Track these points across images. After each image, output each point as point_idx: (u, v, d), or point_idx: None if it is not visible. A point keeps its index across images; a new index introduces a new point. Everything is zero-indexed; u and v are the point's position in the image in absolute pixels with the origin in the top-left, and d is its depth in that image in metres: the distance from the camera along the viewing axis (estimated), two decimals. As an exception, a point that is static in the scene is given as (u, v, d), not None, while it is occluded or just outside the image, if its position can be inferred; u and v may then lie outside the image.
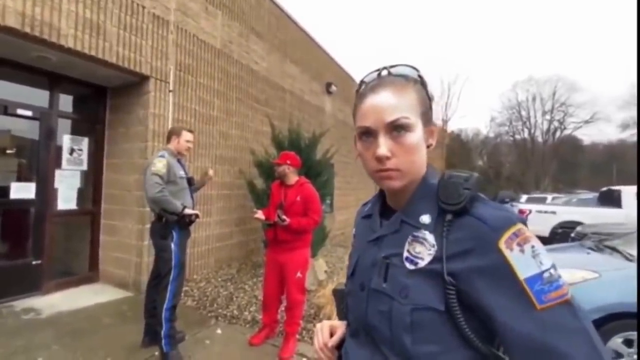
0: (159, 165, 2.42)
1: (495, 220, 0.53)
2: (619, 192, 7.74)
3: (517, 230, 0.51)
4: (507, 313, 0.49)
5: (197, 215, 2.57)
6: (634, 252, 2.72)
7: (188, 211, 2.49)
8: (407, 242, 0.60)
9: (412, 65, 0.66)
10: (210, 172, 2.97)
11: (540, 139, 34.64)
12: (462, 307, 0.53)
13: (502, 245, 0.51)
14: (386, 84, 0.62)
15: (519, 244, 0.51)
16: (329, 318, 2.98)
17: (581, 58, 53.07)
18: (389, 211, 0.69)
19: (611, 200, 7.72)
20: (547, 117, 34.65)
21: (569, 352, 0.46)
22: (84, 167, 3.88)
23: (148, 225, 3.60)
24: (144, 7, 3.60)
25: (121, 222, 3.82)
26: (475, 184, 0.57)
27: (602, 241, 3.41)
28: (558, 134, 34.91)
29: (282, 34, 6.30)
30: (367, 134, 0.62)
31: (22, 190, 3.37)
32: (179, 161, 2.65)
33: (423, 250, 0.58)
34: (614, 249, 2.95)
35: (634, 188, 7.86)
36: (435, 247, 0.56)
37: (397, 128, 0.59)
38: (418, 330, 0.55)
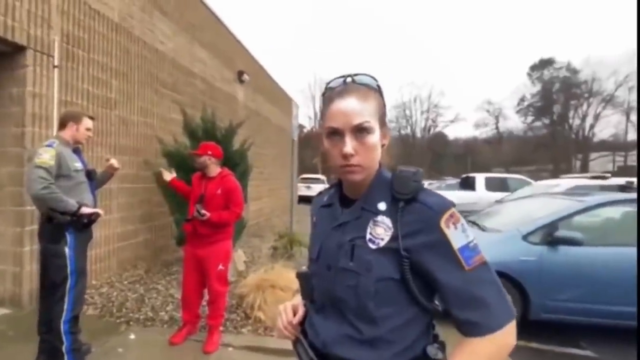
0: (46, 156, 2.05)
1: (437, 205, 0.68)
2: (473, 178, 9.78)
3: (451, 212, 0.68)
4: (446, 274, 0.66)
5: (98, 214, 2.24)
6: (487, 224, 3.61)
7: (85, 210, 2.15)
8: (368, 226, 0.72)
9: (371, 76, 0.77)
10: (113, 161, 2.57)
11: (419, 135, 41.35)
12: (413, 274, 0.68)
13: (442, 224, 0.66)
14: (351, 91, 0.72)
15: (453, 223, 0.67)
16: (252, 307, 3.08)
17: (446, 69, 64.29)
18: (347, 200, 0.80)
19: (468, 184, 9.69)
20: (425, 116, 41.56)
21: (486, 297, 0.65)
22: None
23: (28, 228, 3.05)
24: (14, -40, 2.92)
25: (-13, 224, 3.10)
26: (421, 177, 0.71)
27: (464, 217, 4.40)
28: (432, 130, 42.14)
29: (191, 15, 5.85)
30: (335, 134, 0.72)
31: None
32: (75, 151, 2.29)
33: (382, 232, 0.70)
34: (473, 222, 3.82)
35: (484, 175, 10.03)
36: (392, 229, 0.70)
37: (360, 130, 0.70)
38: (379, 296, 0.69)
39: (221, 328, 2.80)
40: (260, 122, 9.58)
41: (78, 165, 2.24)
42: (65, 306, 2.10)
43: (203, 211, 2.48)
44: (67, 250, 2.12)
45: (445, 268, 0.67)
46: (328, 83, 0.78)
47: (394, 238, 0.69)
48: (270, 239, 6.19)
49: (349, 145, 0.70)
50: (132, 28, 4.40)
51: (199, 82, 6.10)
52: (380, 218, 0.72)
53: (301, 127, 34.49)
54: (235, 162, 4.46)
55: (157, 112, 4.93)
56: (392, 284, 0.69)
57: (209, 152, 2.64)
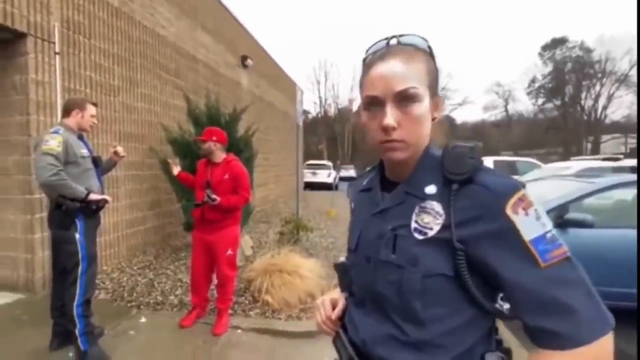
0: (53, 143, 2.05)
1: (500, 187, 0.55)
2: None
3: (521, 195, 0.54)
4: (514, 272, 0.54)
5: (105, 201, 2.26)
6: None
7: (94, 196, 2.17)
8: (414, 213, 0.62)
9: (421, 36, 0.64)
10: (119, 148, 2.57)
11: (426, 118, 41.02)
12: (470, 270, 0.56)
13: (508, 210, 0.54)
14: (396, 52, 0.61)
15: (523, 209, 0.54)
16: (260, 290, 3.12)
17: (454, 52, 62.65)
18: (389, 184, 0.70)
19: None
20: (428, 98, 41.21)
21: (571, 303, 0.51)
22: None
23: (38, 215, 3.10)
24: (10, -57, 2.85)
25: (1, 213, 3.15)
26: (479, 153, 0.59)
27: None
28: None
29: (192, -3, 5.72)
30: (374, 104, 0.61)
31: None
32: (80, 138, 2.29)
33: (431, 220, 0.59)
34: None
35: (492, 158, 9.89)
36: (443, 216, 0.58)
37: (405, 98, 0.59)
38: (428, 295, 0.59)
39: (230, 311, 2.85)
40: (265, 108, 9.50)
41: (84, 151, 2.24)
42: (78, 290, 2.14)
43: (214, 196, 2.49)
44: (77, 236, 2.14)
45: (513, 264, 0.54)
46: (368, 48, 0.67)
47: (445, 227, 0.58)
48: (276, 224, 6.23)
49: (390, 116, 0.59)
50: (133, 12, 4.32)
51: (201, 68, 6.03)
52: (428, 204, 0.61)
53: (306, 112, 34.23)
54: (239, 148, 4.44)
55: (161, 99, 4.90)
56: (443, 281, 0.58)
57: (214, 138, 2.62)
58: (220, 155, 2.67)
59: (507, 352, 0.63)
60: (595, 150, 29.08)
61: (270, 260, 3.36)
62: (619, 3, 51.61)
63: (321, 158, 26.08)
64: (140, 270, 3.87)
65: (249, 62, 7.90)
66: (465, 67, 65.59)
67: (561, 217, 2.95)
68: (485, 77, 75.93)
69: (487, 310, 0.59)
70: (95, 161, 2.34)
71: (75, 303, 2.14)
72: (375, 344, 0.65)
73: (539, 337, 0.55)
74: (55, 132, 2.12)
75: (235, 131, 4.54)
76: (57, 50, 3.26)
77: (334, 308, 0.81)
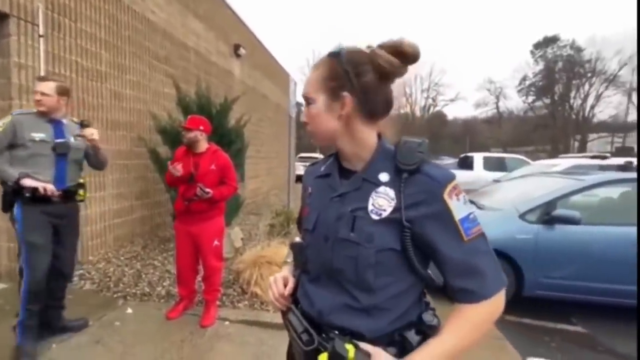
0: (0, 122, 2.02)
1: (440, 177, 0.68)
2: (472, 158, 9.76)
3: (455, 184, 0.68)
4: (446, 245, 0.67)
5: (46, 190, 2.02)
6: (485, 203, 3.61)
7: (27, 182, 1.98)
8: (370, 197, 0.72)
9: (341, 43, 0.76)
10: (87, 131, 2.21)
11: (418, 114, 40.88)
12: (412, 244, 0.68)
13: (445, 196, 0.67)
14: (316, 62, 0.77)
15: (456, 194, 0.68)
16: (249, 282, 3.10)
17: (448, 48, 62.67)
18: (345, 171, 0.79)
19: (466, 164, 9.67)
20: (425, 94, 40.91)
21: (483, 268, 0.68)
22: None
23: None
24: None
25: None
26: (426, 148, 0.70)
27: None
28: (432, 109, 41.57)
29: (183, -18, 5.56)
30: None
31: None
32: (55, 121, 2.13)
33: (385, 203, 0.70)
34: (470, 202, 3.82)
35: (482, 154, 10.00)
36: (395, 200, 0.69)
37: (305, 100, 0.77)
38: (379, 267, 0.70)
39: (218, 303, 2.83)
40: (258, 99, 9.37)
41: (38, 135, 2.05)
42: (24, 278, 2.06)
43: (207, 189, 2.44)
44: (16, 221, 2.06)
45: (446, 238, 0.67)
46: None
47: (396, 209, 0.69)
48: (267, 216, 6.20)
49: (303, 113, 0.78)
50: (121, -4, 4.17)
51: (192, 56, 5.89)
52: (382, 189, 0.71)
53: (299, 105, 33.92)
54: (231, 139, 4.38)
55: (150, 86, 4.78)
56: (392, 255, 0.69)
57: (201, 127, 2.55)
58: (204, 145, 2.60)
59: (434, 310, 0.77)
60: (582, 149, 29.65)
61: (260, 252, 3.34)
62: (612, 4, 52.23)
63: (314, 151, 25.99)
64: (128, 260, 3.82)
65: (242, 51, 7.75)
66: (459, 63, 65.89)
67: (548, 214, 3.00)
68: (478, 74, 76.50)
69: (422, 277, 0.72)
70: (60, 147, 2.12)
71: (21, 289, 2.07)
72: (331, 313, 0.74)
73: (459, 295, 0.69)
74: (12, 113, 2.10)
75: (227, 122, 4.47)
76: (41, 32, 3.13)
77: (285, 286, 0.87)
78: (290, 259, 0.90)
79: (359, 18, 68.67)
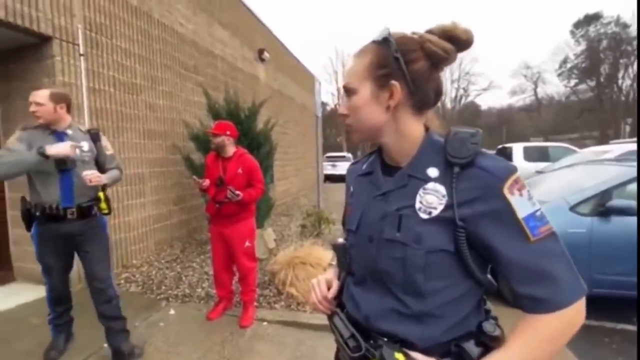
0: (11, 138, 1.92)
1: (498, 170, 0.61)
2: (510, 149, 9.22)
3: (516, 178, 0.60)
4: (509, 246, 0.60)
5: (59, 209, 1.93)
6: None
7: (53, 150, 1.80)
8: (418, 194, 0.66)
9: (387, 27, 0.68)
10: (86, 177, 1.93)
11: (449, 105, 39.29)
12: (468, 245, 0.62)
13: (505, 191, 0.59)
14: (356, 52, 0.71)
15: (518, 189, 0.60)
16: (284, 283, 3.12)
17: (478, 34, 59.40)
18: (389, 168, 0.74)
19: (505, 155, 9.17)
20: (455, 85, 39.22)
21: (555, 272, 0.59)
22: (-26, 148, 3.19)
23: (72, 211, 3.21)
24: (32, -52, 2.93)
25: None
26: (480, 139, 0.63)
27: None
28: (463, 100, 39.79)
29: (208, -7, 5.73)
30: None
31: None
32: (57, 133, 1.99)
33: (435, 200, 0.64)
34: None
35: (522, 144, 9.42)
36: (446, 197, 0.63)
37: (346, 92, 0.71)
38: (430, 269, 0.64)
39: (255, 303, 2.87)
40: (283, 101, 9.48)
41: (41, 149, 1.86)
42: (45, 286, 2.18)
43: (237, 192, 2.50)
44: (32, 240, 2.07)
45: (508, 239, 0.60)
46: None
47: (448, 207, 0.63)
48: (298, 217, 6.24)
49: (342, 105, 0.72)
50: (151, 11, 4.37)
51: (219, 63, 6.05)
52: (431, 185, 0.65)
53: (324, 104, 33.99)
54: (259, 142, 4.44)
55: (181, 95, 4.97)
56: (444, 256, 0.63)
57: (227, 132, 2.61)
58: (231, 149, 2.66)
59: (496, 319, 0.69)
60: (634, 133, 27.14)
61: (293, 253, 3.35)
62: (661, -29, 47.23)
63: (341, 150, 25.89)
64: (168, 263, 3.98)
65: (266, 55, 7.87)
66: (490, 49, 62.70)
67: (603, 205, 2.74)
68: (512, 60, 72.37)
69: (480, 282, 0.65)
70: (57, 164, 1.91)
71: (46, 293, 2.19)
72: (378, 318, 0.69)
73: (527, 304, 0.61)
74: (22, 127, 1.99)
75: (255, 125, 4.54)
76: (81, 52, 3.34)
77: (329, 288, 0.83)
78: (334, 262, 0.86)
79: (380, 12, 67.55)
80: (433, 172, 0.66)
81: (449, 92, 39.55)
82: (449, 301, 0.65)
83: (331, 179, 15.70)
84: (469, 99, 40.43)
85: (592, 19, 31.57)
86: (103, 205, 2.13)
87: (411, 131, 0.69)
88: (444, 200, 0.63)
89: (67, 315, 2.29)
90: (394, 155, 0.72)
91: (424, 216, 0.65)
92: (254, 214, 2.82)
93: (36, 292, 3.13)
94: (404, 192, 0.68)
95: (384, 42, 0.66)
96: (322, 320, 2.77)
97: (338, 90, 36.02)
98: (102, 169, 2.16)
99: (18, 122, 3.27)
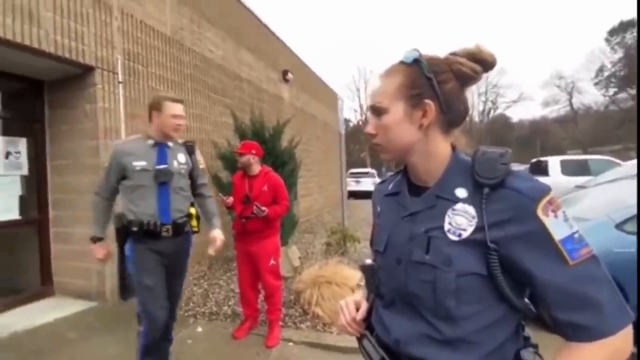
0: (107, 155, 2.06)
1: (531, 191, 0.59)
2: (546, 163, 8.73)
3: (550, 198, 0.58)
4: (546, 270, 0.57)
5: (158, 225, 1.89)
6: (569, 213, 3.13)
7: (94, 248, 1.96)
8: (446, 215, 0.65)
9: (415, 49, 0.69)
10: (214, 236, 2.23)
11: (477, 119, 38.25)
12: (502, 269, 0.59)
13: (539, 212, 0.57)
14: (384, 71, 0.71)
15: (553, 211, 0.58)
16: (309, 303, 3.06)
17: (505, 45, 58.33)
18: (415, 188, 0.73)
19: (540, 169, 8.68)
20: (482, 98, 38.29)
21: (598, 298, 0.56)
22: (24, 171, 3.46)
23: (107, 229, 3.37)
24: (81, -10, 3.24)
25: (74, 228, 3.50)
26: (509, 159, 0.62)
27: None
28: (492, 113, 38.63)
29: (235, 21, 6.05)
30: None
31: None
32: (160, 145, 1.94)
33: (464, 222, 0.63)
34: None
35: (559, 157, 8.92)
36: (476, 218, 0.61)
37: (374, 111, 0.71)
38: (462, 293, 0.61)
39: (281, 323, 2.84)
40: (306, 119, 9.65)
41: (139, 164, 1.87)
42: (142, 328, 1.94)
43: (263, 207, 2.56)
44: (128, 260, 1.93)
45: (544, 263, 0.57)
46: None
47: (479, 229, 0.61)
48: (322, 235, 6.19)
49: (369, 124, 0.72)
50: (183, 39, 4.66)
51: (246, 86, 6.29)
52: (460, 206, 0.64)
53: (347, 121, 34.16)
54: (283, 160, 4.52)
55: (210, 117, 5.18)
56: (476, 280, 0.61)
57: (253, 151, 2.72)
58: (257, 168, 2.76)
59: (536, 347, 0.66)
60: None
61: (319, 272, 3.30)
62: None
63: (364, 166, 25.76)
64: (196, 280, 4.05)
65: (290, 76, 8.11)
66: (519, 60, 60.99)
67: (655, 221, 2.50)
68: (542, 71, 70.01)
69: (516, 307, 0.62)
70: (158, 176, 1.91)
71: (138, 339, 1.96)
72: (409, 343, 0.67)
73: (569, 331, 0.58)
74: (115, 143, 2.04)
75: (279, 144, 4.64)
76: (120, 79, 3.60)
77: (357, 310, 0.82)
78: (363, 282, 0.85)
79: (403, 27, 68.13)
80: (461, 192, 0.65)
81: (477, 105, 38.68)
82: (484, 327, 0.62)
83: (355, 195, 15.48)
84: (498, 111, 39.23)
85: (628, 25, 30.14)
86: (194, 222, 2.13)
87: (439, 150, 0.69)
88: (474, 222, 0.62)
89: None
90: (421, 175, 0.72)
91: (453, 238, 0.63)
92: (278, 231, 2.86)
93: (74, 307, 3.28)
94: (432, 213, 0.67)
95: (415, 63, 0.67)
96: (349, 342, 2.69)
97: (361, 106, 36.26)
98: (194, 183, 2.16)
99: (63, 144, 3.55)
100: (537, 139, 33.81)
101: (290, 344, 2.64)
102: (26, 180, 3.49)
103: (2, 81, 3.27)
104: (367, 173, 17.96)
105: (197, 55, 4.93)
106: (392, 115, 0.68)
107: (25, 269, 3.56)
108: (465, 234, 0.62)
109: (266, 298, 2.77)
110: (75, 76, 3.40)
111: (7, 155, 3.32)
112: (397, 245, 0.71)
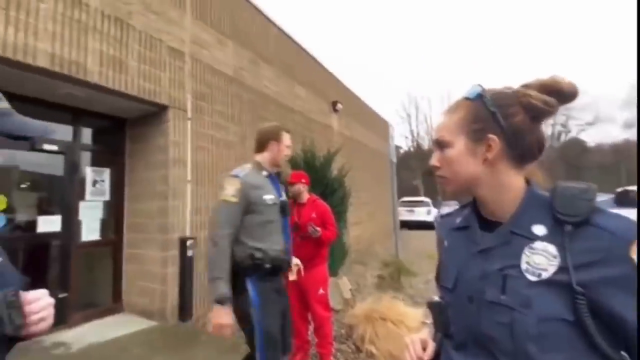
0: (230, 190, 1.65)
1: (622, 231, 0.55)
2: (634, 193, 7.65)
3: None
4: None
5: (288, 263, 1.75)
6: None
7: (216, 316, 1.55)
8: (523, 253, 0.61)
9: (479, 84, 0.70)
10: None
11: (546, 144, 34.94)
12: (591, 315, 0.54)
13: (633, 254, 0.53)
14: (448, 107, 0.73)
15: None
16: (363, 339, 2.91)
17: (576, 62, 53.79)
18: (486, 222, 0.70)
19: (628, 200, 7.62)
20: (550, 121, 35.14)
21: None
22: (107, 197, 3.93)
23: (171, 252, 3.62)
24: (161, 41, 3.75)
25: (144, 250, 3.83)
26: (594, 196, 0.58)
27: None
28: (563, 137, 35.11)
29: (289, 58, 6.48)
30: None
31: (48, 224, 3.41)
32: (271, 176, 1.83)
33: (544, 261, 0.58)
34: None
35: None
36: (558, 258, 0.57)
37: (437, 144, 0.72)
38: (544, 340, 0.56)
39: (332, 358, 2.73)
40: (355, 147, 9.71)
41: (270, 197, 1.73)
42: None
43: (317, 227, 2.66)
44: (252, 304, 1.62)
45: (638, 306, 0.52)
46: None
47: (562, 269, 0.57)
48: (373, 266, 5.98)
49: (433, 157, 0.74)
50: (243, 78, 5.09)
51: (297, 117, 6.59)
52: (539, 244, 0.60)
53: (397, 147, 33.66)
54: (333, 188, 4.54)
55: (265, 148, 5.46)
56: (562, 326, 0.56)
57: (303, 180, 2.85)
58: (305, 196, 2.86)
59: None
60: None
61: (372, 306, 3.16)
62: None
63: (417, 194, 24.81)
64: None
65: (339, 106, 8.33)
66: (591, 77, 55.71)
67: None
68: (619, 88, 62.99)
69: (610, 358, 0.54)
70: (284, 208, 1.80)
71: None
72: None
73: None
74: (235, 175, 1.72)
75: (330, 172, 4.70)
76: (189, 116, 4.00)
77: (424, 349, 0.78)
78: (429, 320, 0.81)
79: (455, 51, 67.16)
80: (539, 229, 0.61)
81: (544, 129, 35.58)
82: None
83: (408, 225, 14.42)
84: (570, 134, 35.50)
85: None
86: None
87: (511, 184, 0.67)
88: (556, 262, 0.58)
89: None
90: (493, 209, 0.69)
91: (532, 278, 0.59)
92: (326, 259, 2.87)
93: (140, 324, 3.50)
94: (507, 250, 0.63)
95: (479, 98, 0.68)
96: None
97: (412, 132, 35.66)
98: None
99: (139, 174, 3.98)
100: (621, 165, 29.75)
101: (342, 382, 2.50)
102: (107, 205, 3.95)
103: (93, 119, 3.83)
104: (421, 202, 16.75)
105: (254, 92, 5.32)
106: (455, 148, 0.69)
107: (100, 285, 3.93)
108: (545, 275, 0.58)
109: (315, 330, 2.71)
110: (152, 114, 3.87)
111: (94, 183, 3.81)
112: (468, 282, 0.68)
